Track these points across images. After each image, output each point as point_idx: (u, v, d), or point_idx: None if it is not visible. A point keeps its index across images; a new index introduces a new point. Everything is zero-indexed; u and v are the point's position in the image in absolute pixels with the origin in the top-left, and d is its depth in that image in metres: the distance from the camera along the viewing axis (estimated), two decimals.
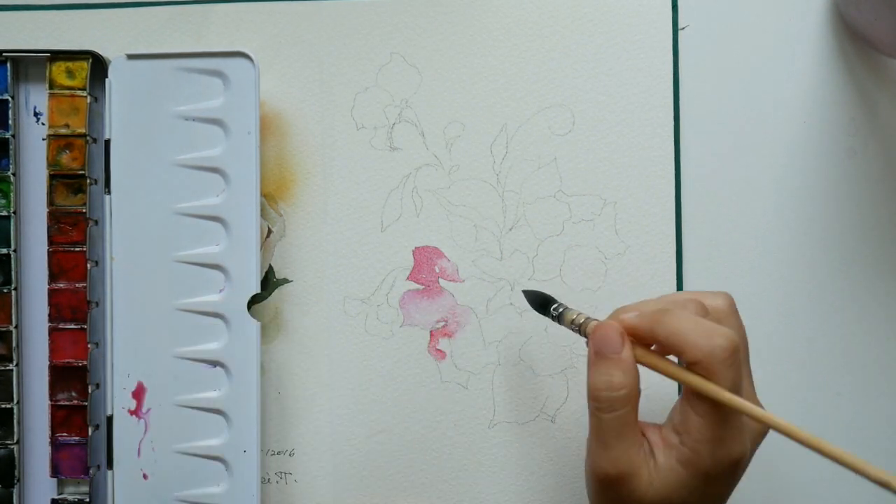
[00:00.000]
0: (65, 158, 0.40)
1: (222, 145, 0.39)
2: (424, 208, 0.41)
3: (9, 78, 0.41)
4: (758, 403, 0.33)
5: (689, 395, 0.31)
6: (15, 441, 0.40)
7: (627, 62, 0.41)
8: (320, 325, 0.41)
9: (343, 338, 0.41)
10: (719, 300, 0.34)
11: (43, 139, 0.41)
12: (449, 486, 0.41)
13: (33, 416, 0.41)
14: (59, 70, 0.40)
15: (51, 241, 0.40)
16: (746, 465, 0.32)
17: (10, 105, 0.41)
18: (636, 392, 0.31)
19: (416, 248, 0.41)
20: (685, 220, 0.41)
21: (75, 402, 0.40)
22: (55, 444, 0.40)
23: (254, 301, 0.41)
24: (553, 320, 0.36)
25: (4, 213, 0.41)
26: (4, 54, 0.41)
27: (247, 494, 0.39)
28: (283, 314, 0.41)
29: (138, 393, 0.40)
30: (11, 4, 0.42)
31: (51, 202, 0.40)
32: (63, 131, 0.40)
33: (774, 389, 0.41)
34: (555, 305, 0.36)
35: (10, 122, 0.41)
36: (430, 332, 0.41)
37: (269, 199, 0.42)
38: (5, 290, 0.40)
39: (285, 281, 0.42)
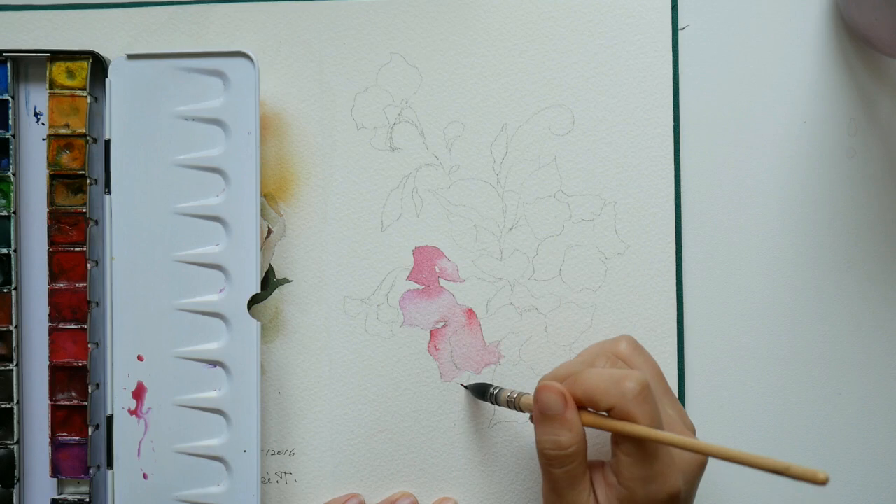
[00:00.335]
0: (65, 158, 0.40)
1: (222, 145, 0.39)
2: (424, 208, 0.41)
3: (9, 78, 0.41)
4: (687, 430, 0.35)
5: (615, 438, 0.32)
6: (15, 441, 0.40)
7: (627, 62, 0.41)
8: (320, 325, 0.41)
9: (343, 338, 0.41)
10: (622, 345, 0.36)
11: (43, 139, 0.41)
12: (449, 486, 0.41)
13: (33, 416, 0.41)
14: (59, 70, 0.40)
15: (51, 241, 0.40)
16: (687, 498, 0.33)
17: (10, 105, 0.41)
18: (583, 447, 0.33)
19: (416, 248, 0.41)
20: (685, 220, 0.41)
21: (75, 402, 0.40)
22: (55, 444, 0.40)
23: (254, 301, 0.41)
24: (493, 403, 0.38)
25: (4, 213, 0.41)
26: (4, 54, 0.41)
27: (247, 494, 0.39)
28: (283, 314, 0.41)
29: (138, 393, 0.40)
30: (11, 4, 0.42)
31: (51, 202, 0.40)
32: (63, 131, 0.40)
33: (774, 389, 0.41)
34: (490, 389, 0.38)
35: (10, 122, 0.41)
36: (430, 331, 0.41)
37: (269, 199, 0.42)
38: (5, 290, 0.40)
39: (285, 281, 0.42)
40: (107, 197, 0.40)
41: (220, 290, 0.40)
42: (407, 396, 0.41)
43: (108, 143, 0.40)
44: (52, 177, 0.40)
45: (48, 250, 0.40)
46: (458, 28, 0.42)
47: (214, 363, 0.39)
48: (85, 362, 0.40)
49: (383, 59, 0.42)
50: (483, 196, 0.41)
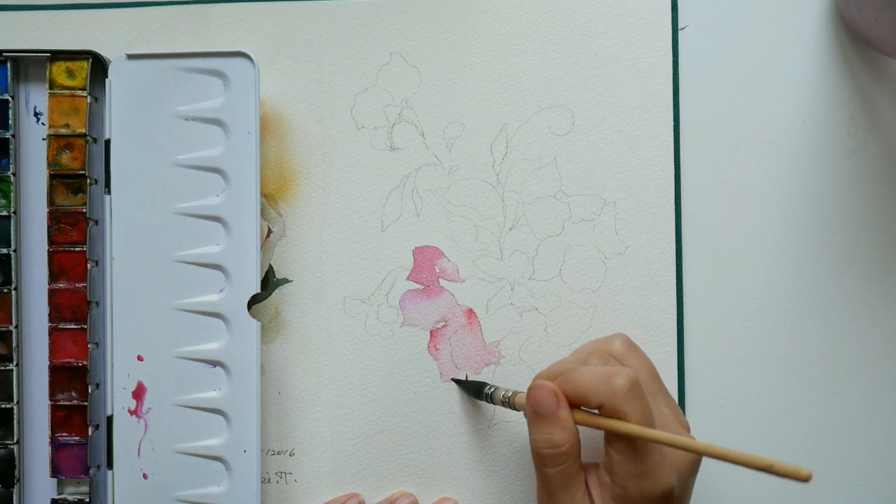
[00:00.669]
0: (65, 158, 0.40)
1: (222, 145, 0.39)
2: (424, 208, 0.41)
3: (9, 78, 0.41)
4: (682, 428, 0.35)
5: (607, 436, 0.32)
6: (15, 441, 0.40)
7: (627, 62, 0.41)
8: (320, 325, 0.41)
9: (343, 338, 0.41)
10: (616, 343, 0.36)
11: (43, 139, 0.41)
12: (449, 486, 0.41)
13: (33, 416, 0.41)
14: (59, 70, 0.40)
15: (51, 241, 0.40)
16: (682, 496, 0.33)
17: (10, 105, 0.41)
18: (576, 446, 0.33)
19: (416, 248, 0.41)
20: (685, 220, 0.41)
21: (75, 402, 0.40)
22: (55, 444, 0.40)
23: (254, 301, 0.41)
24: (488, 402, 0.38)
25: (4, 213, 0.41)
26: (4, 54, 0.41)
27: (247, 494, 0.39)
28: (283, 314, 0.41)
29: (138, 393, 0.40)
30: (11, 4, 0.42)
31: (51, 202, 0.40)
32: (63, 131, 0.40)
33: (774, 389, 0.41)
34: (486, 388, 0.38)
35: (10, 122, 0.41)
36: (430, 331, 0.41)
37: (269, 199, 0.42)
38: (5, 290, 0.40)
39: (285, 281, 0.42)
40: (107, 197, 0.40)
41: (220, 290, 0.40)
42: (407, 396, 0.41)
43: (108, 143, 0.40)
44: (52, 177, 0.40)
45: (48, 250, 0.40)
46: (458, 28, 0.42)
47: (214, 363, 0.39)
48: (85, 362, 0.40)
49: (383, 59, 0.42)
50: (483, 196, 0.41)
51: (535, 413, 0.33)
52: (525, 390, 0.35)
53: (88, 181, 0.40)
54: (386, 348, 0.41)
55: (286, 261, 0.42)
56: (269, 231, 0.42)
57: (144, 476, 0.40)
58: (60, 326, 0.40)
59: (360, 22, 0.42)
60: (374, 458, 0.41)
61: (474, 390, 0.40)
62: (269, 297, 0.41)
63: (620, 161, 0.41)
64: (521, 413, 0.39)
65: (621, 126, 0.41)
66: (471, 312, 0.41)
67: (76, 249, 0.40)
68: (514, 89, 0.41)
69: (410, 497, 0.40)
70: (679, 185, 0.41)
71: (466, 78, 0.41)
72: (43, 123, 0.41)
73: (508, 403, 0.37)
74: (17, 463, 0.40)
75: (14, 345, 0.41)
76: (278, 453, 0.41)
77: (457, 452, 0.41)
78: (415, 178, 0.41)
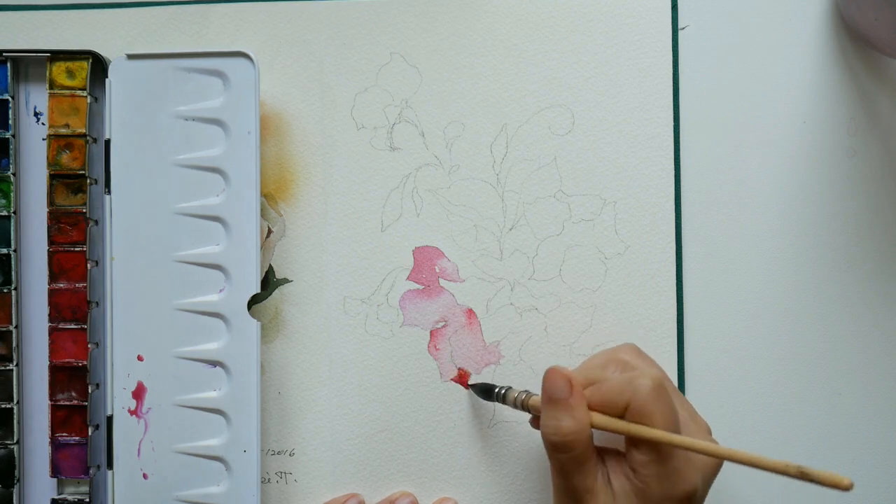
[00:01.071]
0: (65, 158, 0.40)
1: (222, 145, 0.39)
2: (424, 208, 0.41)
3: (9, 78, 0.41)
4: (701, 431, 0.34)
5: (629, 438, 0.32)
6: (15, 441, 0.40)
7: (627, 62, 0.41)
8: (320, 325, 0.41)
9: (343, 338, 0.41)
10: (627, 352, 0.36)
11: (43, 139, 0.41)
12: (449, 486, 0.41)
13: (33, 416, 0.41)
14: (59, 70, 0.40)
15: (51, 241, 0.40)
16: (703, 496, 0.33)
17: (10, 105, 0.41)
18: (585, 436, 0.32)
19: (416, 248, 0.41)
20: (685, 220, 0.41)
21: (75, 402, 0.40)
22: (55, 444, 0.40)
23: (254, 301, 0.41)
24: (500, 402, 0.38)
25: (4, 213, 0.41)
26: (4, 54, 0.41)
27: (247, 494, 0.39)
28: (283, 314, 0.41)
29: (138, 393, 0.40)
30: (11, 4, 0.42)
31: (51, 202, 0.40)
32: (63, 131, 0.40)
33: (774, 389, 0.41)
34: (497, 389, 0.38)
35: (10, 122, 0.41)
36: (430, 331, 0.41)
37: (269, 199, 0.42)
38: (5, 290, 0.40)
39: (285, 281, 0.42)
40: (107, 197, 0.40)
41: (220, 290, 0.40)
42: (407, 396, 0.41)
43: (108, 143, 0.40)
44: (52, 177, 0.40)
45: (48, 250, 0.40)
46: (458, 28, 0.42)
47: (214, 363, 0.39)
48: (85, 362, 0.40)
49: (383, 59, 0.42)
50: (483, 196, 0.41)
51: (548, 398, 0.33)
52: (538, 393, 0.35)
53: (88, 181, 0.40)
54: (386, 348, 0.41)
55: (286, 261, 0.42)
56: (269, 231, 0.42)
57: (144, 476, 0.40)
58: (60, 326, 0.40)
59: (360, 22, 0.42)
60: (374, 458, 0.41)
61: (483, 391, 0.39)
62: (269, 297, 0.41)
63: (620, 161, 0.41)
64: (522, 413, 0.39)
65: (621, 126, 0.41)
66: (471, 312, 0.41)
67: (76, 249, 0.40)
68: (514, 89, 0.41)
69: (410, 497, 0.40)
70: (679, 185, 0.41)
71: (466, 78, 0.41)
72: (43, 123, 0.41)
73: (521, 405, 0.37)
74: (17, 463, 0.40)
75: (14, 345, 0.41)
76: (278, 453, 0.41)
77: (457, 452, 0.41)
78: (415, 178, 0.41)
